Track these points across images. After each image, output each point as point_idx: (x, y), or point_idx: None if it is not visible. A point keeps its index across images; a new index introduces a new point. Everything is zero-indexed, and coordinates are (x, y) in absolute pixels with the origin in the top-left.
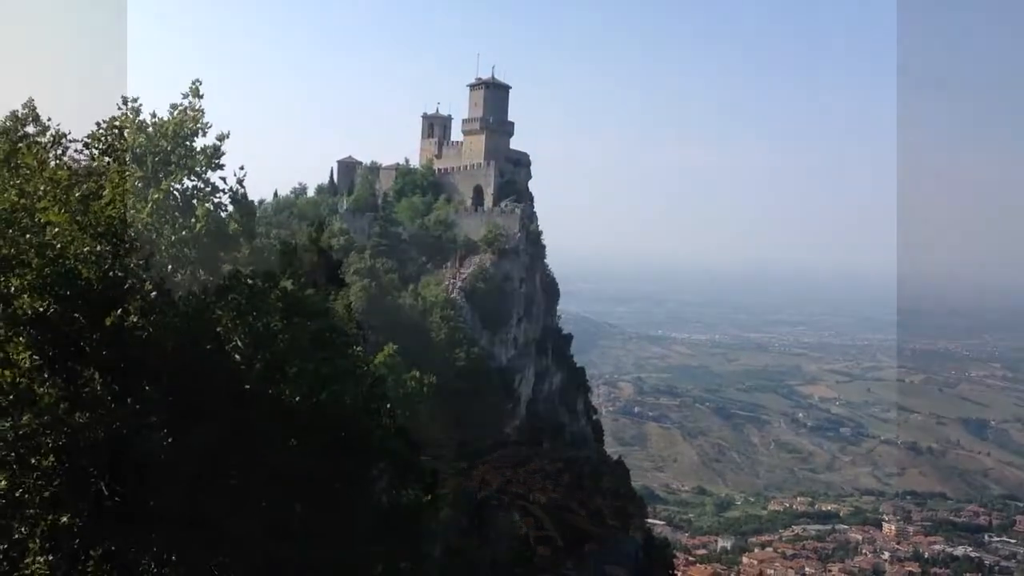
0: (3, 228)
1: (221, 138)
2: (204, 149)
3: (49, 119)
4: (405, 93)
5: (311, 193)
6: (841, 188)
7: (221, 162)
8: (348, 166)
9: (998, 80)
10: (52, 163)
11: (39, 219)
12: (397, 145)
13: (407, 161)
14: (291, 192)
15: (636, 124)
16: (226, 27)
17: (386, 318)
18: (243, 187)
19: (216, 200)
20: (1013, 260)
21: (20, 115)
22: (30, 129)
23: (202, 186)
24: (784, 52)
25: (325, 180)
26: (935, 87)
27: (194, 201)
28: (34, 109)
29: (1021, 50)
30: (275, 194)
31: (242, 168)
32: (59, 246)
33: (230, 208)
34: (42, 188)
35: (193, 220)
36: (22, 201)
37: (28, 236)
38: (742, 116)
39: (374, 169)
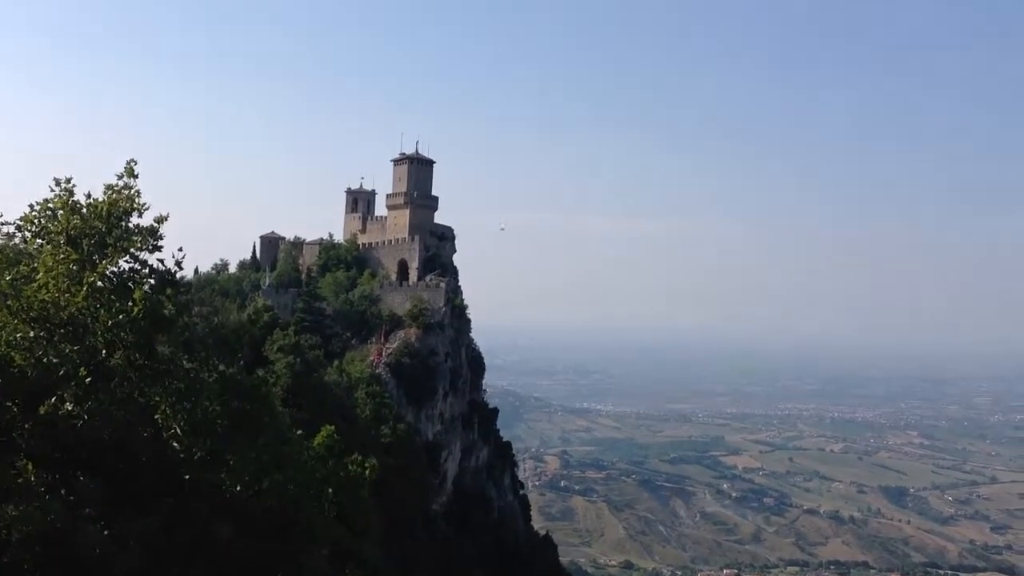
0: None
1: (160, 220)
2: (140, 229)
3: None
4: (329, 168)
5: (233, 269)
6: (758, 259)
7: (159, 244)
8: (271, 241)
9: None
10: None
11: None
12: (321, 220)
13: (331, 236)
14: (212, 268)
15: (562, 195)
16: (145, 98)
17: (312, 396)
18: (181, 268)
19: (152, 282)
20: (924, 328)
21: None
22: None
23: (138, 268)
24: (711, 132)
25: (247, 256)
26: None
27: (130, 284)
28: None
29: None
30: (196, 271)
31: (180, 250)
32: None
33: (167, 290)
34: None
35: (130, 303)
36: None
37: None
38: (652, 187)
39: (297, 244)
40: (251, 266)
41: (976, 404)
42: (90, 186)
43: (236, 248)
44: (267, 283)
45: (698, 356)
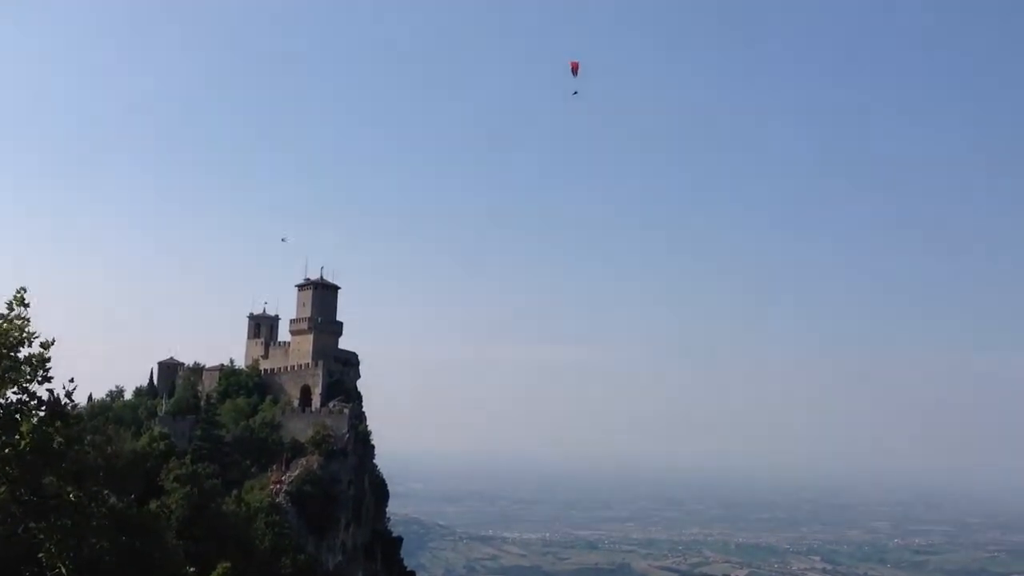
0: None
1: (46, 345)
2: (29, 359)
3: None
4: (230, 292)
5: (129, 396)
6: (662, 385)
7: (49, 374)
8: (169, 367)
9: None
10: None
11: None
12: (221, 346)
13: (232, 361)
14: (107, 395)
15: (471, 323)
16: (30, 208)
17: (208, 527)
18: (72, 400)
19: (41, 414)
20: (822, 453)
21: None
22: None
23: (26, 399)
24: (625, 262)
25: (144, 382)
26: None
27: (18, 416)
28: None
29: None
30: (90, 397)
31: (72, 380)
32: None
33: (56, 422)
34: None
35: (17, 437)
36: None
37: None
38: (565, 317)
39: (197, 370)
40: (148, 393)
41: (876, 528)
42: None
43: (132, 374)
44: (164, 410)
45: (603, 482)
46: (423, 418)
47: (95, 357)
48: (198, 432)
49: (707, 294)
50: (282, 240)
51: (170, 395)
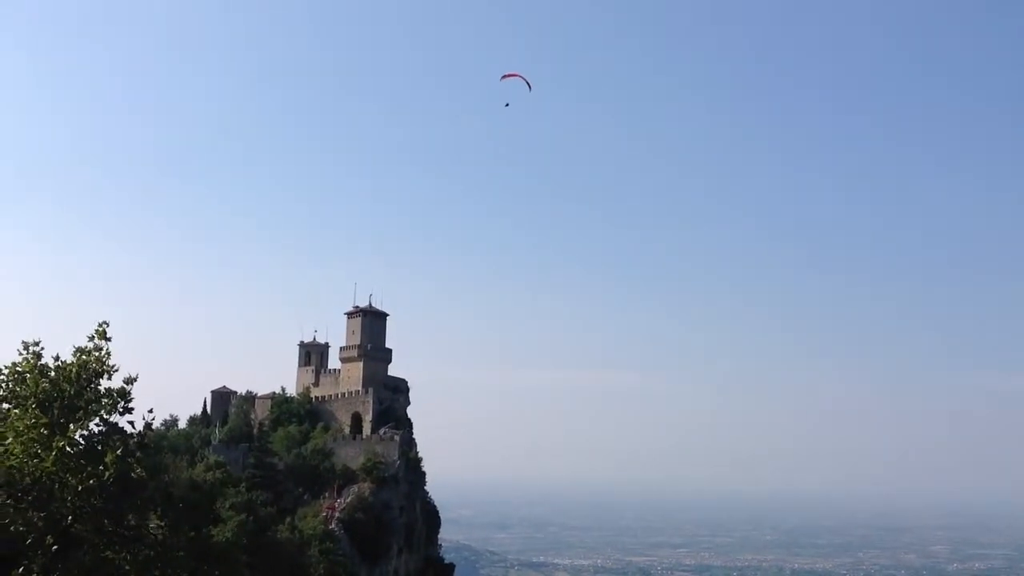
0: None
1: (129, 381)
2: (110, 392)
3: None
4: (281, 321)
5: (183, 424)
6: (716, 410)
7: (131, 406)
8: (222, 396)
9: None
10: None
11: None
12: (273, 374)
13: (283, 390)
14: (161, 424)
15: (511, 350)
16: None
17: (265, 556)
18: (152, 430)
19: (123, 445)
20: (878, 477)
21: None
22: None
23: (108, 431)
24: (672, 287)
25: (197, 411)
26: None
27: (99, 447)
28: None
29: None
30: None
31: (151, 411)
32: None
33: (137, 453)
34: None
35: (101, 468)
36: None
37: None
38: (617, 343)
39: (249, 398)
40: (201, 421)
41: (934, 552)
42: (58, 343)
43: (186, 403)
44: (217, 438)
45: (655, 508)
46: (472, 444)
47: (148, 386)
48: (251, 460)
49: (753, 324)
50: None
51: (223, 423)
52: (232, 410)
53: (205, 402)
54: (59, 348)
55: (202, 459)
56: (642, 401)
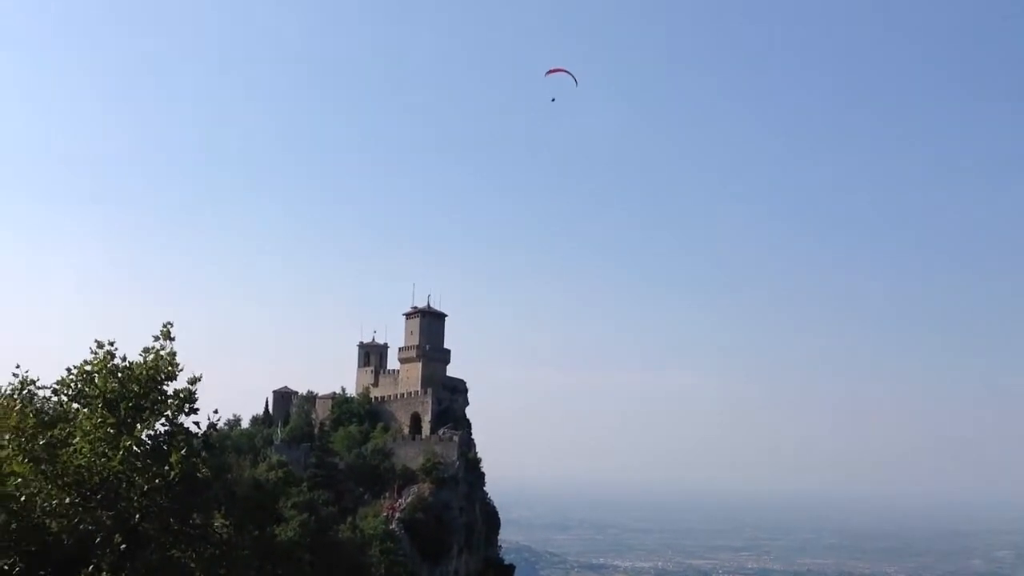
0: None
1: (193, 381)
2: (177, 393)
3: (18, 365)
4: (340, 321)
5: (245, 424)
6: (780, 413)
7: (196, 406)
8: (283, 396)
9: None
10: (17, 410)
11: (4, 469)
12: (333, 374)
13: (343, 390)
14: (224, 424)
15: (578, 348)
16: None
17: (325, 554)
18: (217, 430)
19: (188, 445)
20: (940, 479)
21: None
22: None
23: (173, 431)
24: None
25: (260, 411)
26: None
27: (165, 447)
28: None
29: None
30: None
31: (216, 411)
32: (23, 498)
33: (202, 453)
34: (6, 437)
35: (167, 467)
36: None
37: None
38: (677, 345)
39: (310, 398)
40: (263, 421)
41: (999, 558)
42: (120, 342)
43: (249, 403)
44: (279, 438)
45: (715, 510)
46: (530, 444)
47: (211, 386)
48: (313, 460)
49: (809, 327)
50: (552, 100)
51: (285, 423)
52: (293, 410)
53: (267, 402)
54: (124, 348)
55: (264, 459)
56: (699, 405)
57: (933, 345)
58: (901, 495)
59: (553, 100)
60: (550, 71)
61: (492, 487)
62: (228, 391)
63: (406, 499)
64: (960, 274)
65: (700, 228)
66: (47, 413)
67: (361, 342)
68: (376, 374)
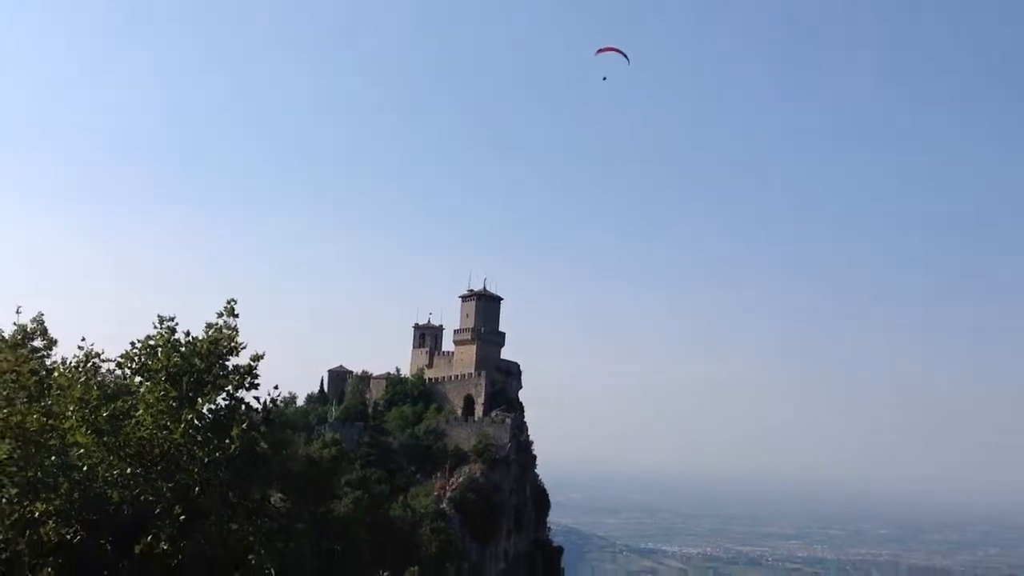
0: (30, 450)
1: (256, 359)
2: (238, 368)
3: (83, 338)
4: (396, 302)
5: (300, 402)
6: (836, 403)
7: (256, 382)
8: (338, 375)
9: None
10: (81, 382)
11: (68, 440)
12: (388, 354)
13: (398, 370)
14: (280, 401)
15: (632, 337)
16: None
17: (379, 531)
18: (276, 406)
19: (248, 420)
20: (997, 472)
21: (29, 329)
22: (37, 343)
23: (234, 405)
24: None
25: (315, 389)
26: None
27: (225, 421)
28: (42, 323)
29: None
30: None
31: (276, 388)
32: (85, 468)
33: (262, 428)
34: (70, 408)
35: (227, 441)
36: (50, 422)
37: (53, 458)
38: (729, 333)
39: (365, 378)
40: (319, 399)
41: None
42: (182, 317)
43: (304, 382)
44: (334, 416)
45: (767, 498)
46: (583, 429)
47: (269, 365)
48: (366, 439)
49: (867, 326)
50: (603, 79)
51: (339, 402)
52: (348, 389)
53: (322, 381)
54: (188, 324)
55: (319, 436)
56: (751, 395)
57: (987, 337)
58: (952, 489)
59: (604, 79)
60: (600, 50)
61: (543, 469)
62: (285, 369)
63: (458, 479)
64: None
65: (760, 213)
66: (110, 386)
67: (416, 323)
68: (430, 355)
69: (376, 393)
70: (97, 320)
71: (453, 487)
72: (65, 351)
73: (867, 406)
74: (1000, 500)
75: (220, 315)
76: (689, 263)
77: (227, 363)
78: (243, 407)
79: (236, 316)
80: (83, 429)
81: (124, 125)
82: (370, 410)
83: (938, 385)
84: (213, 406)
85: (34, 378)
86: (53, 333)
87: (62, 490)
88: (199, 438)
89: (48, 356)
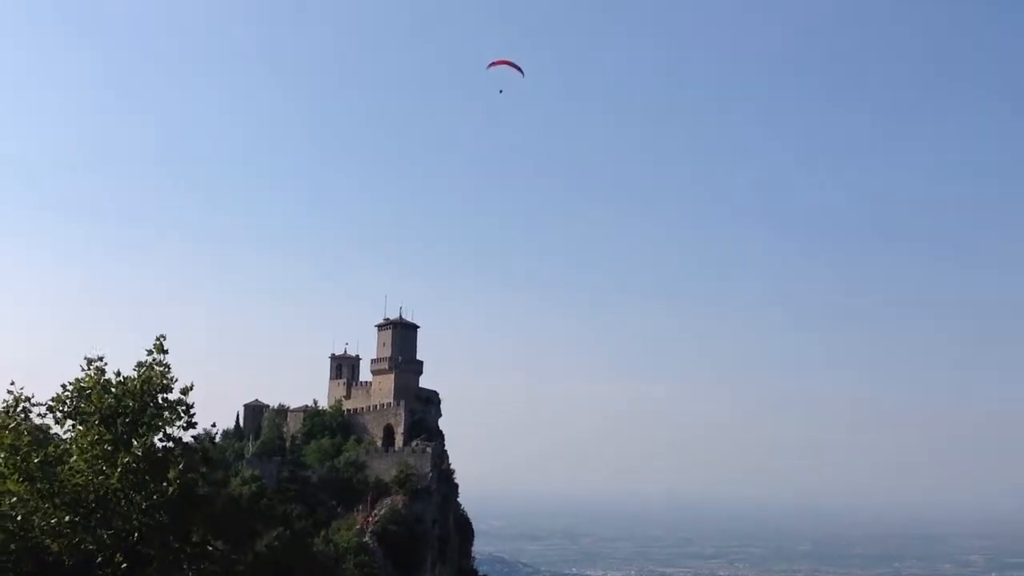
0: None
1: (186, 391)
2: (172, 405)
3: (12, 382)
4: (311, 333)
5: (217, 439)
6: (749, 419)
7: (193, 419)
8: (255, 409)
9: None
10: (11, 428)
11: None
12: (305, 386)
13: (315, 402)
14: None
15: (547, 359)
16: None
17: (301, 568)
18: (215, 444)
19: (185, 460)
20: (911, 486)
21: None
22: None
23: (171, 445)
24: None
25: (230, 424)
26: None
27: (163, 462)
28: None
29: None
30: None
31: (214, 425)
32: (19, 517)
33: (201, 468)
34: (1, 456)
35: (165, 484)
36: None
37: None
38: (649, 353)
39: (282, 411)
40: (235, 435)
41: (971, 562)
42: (108, 354)
43: (219, 416)
44: (251, 452)
45: (685, 519)
46: (503, 454)
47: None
48: (285, 473)
49: (788, 331)
50: (500, 92)
51: (256, 437)
52: (265, 423)
53: (238, 416)
54: (114, 363)
55: (236, 473)
56: (668, 413)
57: (912, 347)
58: (876, 502)
59: (501, 92)
60: (492, 63)
61: (465, 497)
62: (200, 406)
63: (379, 511)
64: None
65: (676, 228)
66: (39, 431)
67: (333, 354)
68: (348, 386)
69: (294, 426)
70: None
71: (375, 520)
72: None
73: (779, 417)
74: (918, 512)
75: (150, 352)
76: (610, 281)
77: (161, 401)
78: (180, 446)
79: (166, 352)
80: (15, 477)
81: None
82: (288, 444)
83: (837, 398)
84: (149, 446)
85: None
86: None
87: None
88: (136, 481)
89: None
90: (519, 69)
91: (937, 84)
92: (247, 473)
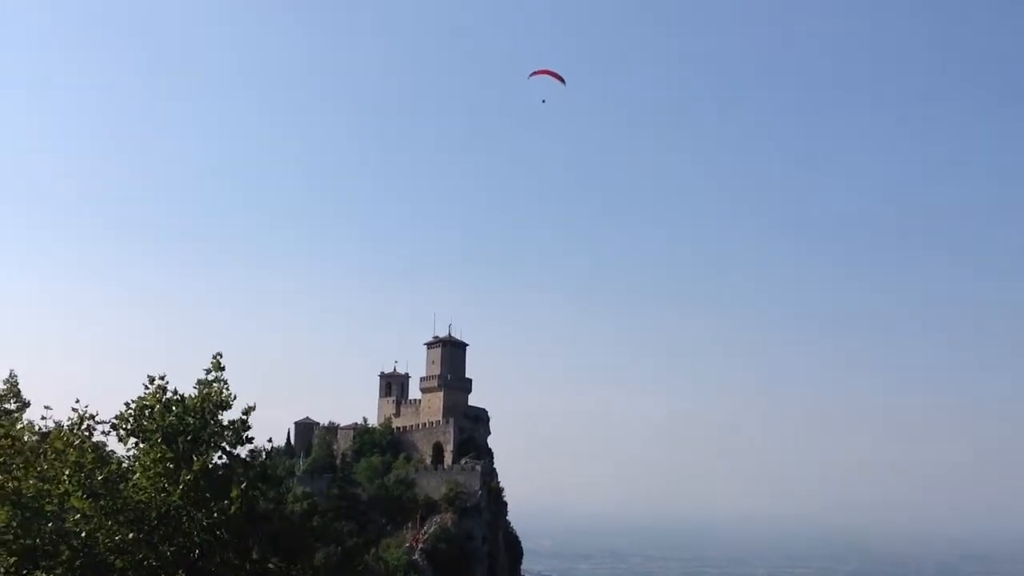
0: (27, 517)
1: (247, 411)
2: (232, 424)
3: (77, 400)
4: (362, 352)
5: (272, 456)
6: (794, 444)
7: (250, 435)
8: (305, 427)
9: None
10: (75, 445)
11: (64, 505)
12: (355, 404)
13: (365, 420)
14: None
15: (600, 376)
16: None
17: None
18: (271, 459)
19: (247, 478)
20: (967, 508)
21: (1, 390)
22: (9, 406)
23: (231, 463)
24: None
25: (281, 442)
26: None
27: (224, 480)
28: (15, 384)
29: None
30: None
31: (270, 441)
32: (84, 534)
33: (261, 485)
34: (66, 473)
35: (227, 501)
36: (46, 487)
37: (51, 525)
38: (704, 368)
39: (332, 429)
40: (286, 452)
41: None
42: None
43: (271, 434)
44: (302, 469)
45: (735, 538)
46: (550, 473)
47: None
48: (335, 491)
49: (826, 355)
50: (542, 102)
51: (307, 454)
52: (315, 441)
53: (289, 433)
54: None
55: (287, 490)
56: (719, 429)
57: (893, 345)
58: (930, 523)
59: (544, 102)
60: (534, 73)
61: (515, 515)
62: (251, 423)
63: (429, 529)
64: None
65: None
66: (102, 449)
67: (382, 372)
68: (397, 404)
69: (344, 444)
70: (60, 380)
71: (425, 537)
72: (34, 413)
73: (837, 444)
74: (974, 534)
75: (208, 371)
76: (658, 298)
77: (220, 418)
78: (241, 464)
79: (223, 369)
80: (79, 494)
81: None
82: (338, 461)
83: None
84: (210, 464)
85: (30, 442)
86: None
87: (63, 557)
88: (197, 498)
89: (20, 418)
90: (561, 79)
91: (951, 85)
92: (298, 490)
